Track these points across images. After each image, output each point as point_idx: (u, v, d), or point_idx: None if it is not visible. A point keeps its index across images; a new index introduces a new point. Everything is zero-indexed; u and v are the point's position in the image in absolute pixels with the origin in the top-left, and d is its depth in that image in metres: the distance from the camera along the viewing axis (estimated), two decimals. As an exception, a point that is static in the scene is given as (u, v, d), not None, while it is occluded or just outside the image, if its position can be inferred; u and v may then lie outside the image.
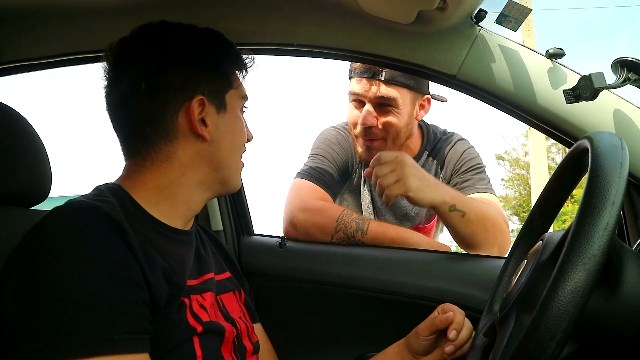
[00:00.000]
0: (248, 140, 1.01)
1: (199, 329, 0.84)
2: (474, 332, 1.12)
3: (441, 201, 1.32)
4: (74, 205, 0.77)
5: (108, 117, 0.93)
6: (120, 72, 0.90)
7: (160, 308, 0.78)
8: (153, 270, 0.78)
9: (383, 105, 1.53)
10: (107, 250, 0.73)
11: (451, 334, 1.06)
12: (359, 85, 1.53)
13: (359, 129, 1.56)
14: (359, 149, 1.61)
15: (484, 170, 1.62)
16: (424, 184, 1.31)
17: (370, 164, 1.36)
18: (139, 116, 0.89)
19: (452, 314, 1.07)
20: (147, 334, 0.75)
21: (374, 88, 1.51)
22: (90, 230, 0.74)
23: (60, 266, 0.70)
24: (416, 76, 1.44)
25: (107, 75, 0.92)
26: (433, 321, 1.08)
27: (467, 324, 1.10)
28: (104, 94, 0.92)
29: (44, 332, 0.67)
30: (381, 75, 1.49)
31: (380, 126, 1.55)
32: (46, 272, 0.70)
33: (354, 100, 1.58)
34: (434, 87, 1.63)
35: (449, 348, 1.07)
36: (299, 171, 1.62)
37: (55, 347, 0.67)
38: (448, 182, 1.62)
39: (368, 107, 1.53)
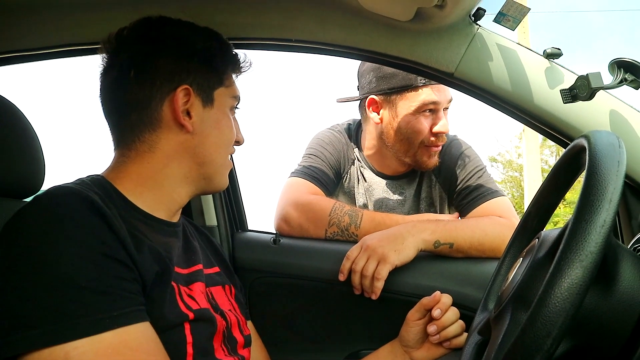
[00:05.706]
0: (238, 143, 1.00)
1: (191, 315, 0.84)
2: (465, 326, 1.13)
3: (423, 244, 1.27)
4: (55, 191, 0.77)
5: (100, 105, 0.94)
6: (113, 59, 0.92)
7: (150, 287, 0.78)
8: (140, 249, 0.79)
9: (446, 108, 1.53)
10: (91, 231, 0.73)
11: (435, 312, 1.10)
12: (436, 94, 1.49)
13: (433, 137, 1.52)
14: (428, 159, 1.55)
15: (484, 172, 1.55)
16: (400, 244, 1.25)
17: (341, 270, 1.28)
18: (126, 102, 0.90)
19: (439, 294, 1.13)
20: (143, 306, 0.76)
21: (448, 93, 1.51)
22: (72, 213, 0.74)
23: (46, 251, 0.70)
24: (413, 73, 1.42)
25: (103, 65, 0.93)
26: (421, 302, 1.14)
27: (454, 309, 1.13)
28: (99, 83, 0.93)
29: (39, 319, 0.67)
30: None
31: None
32: (33, 259, 0.70)
33: (426, 110, 1.51)
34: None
35: (432, 328, 1.10)
36: (292, 171, 1.61)
37: (54, 332, 0.67)
38: (447, 192, 1.60)
39: (443, 113, 1.52)
